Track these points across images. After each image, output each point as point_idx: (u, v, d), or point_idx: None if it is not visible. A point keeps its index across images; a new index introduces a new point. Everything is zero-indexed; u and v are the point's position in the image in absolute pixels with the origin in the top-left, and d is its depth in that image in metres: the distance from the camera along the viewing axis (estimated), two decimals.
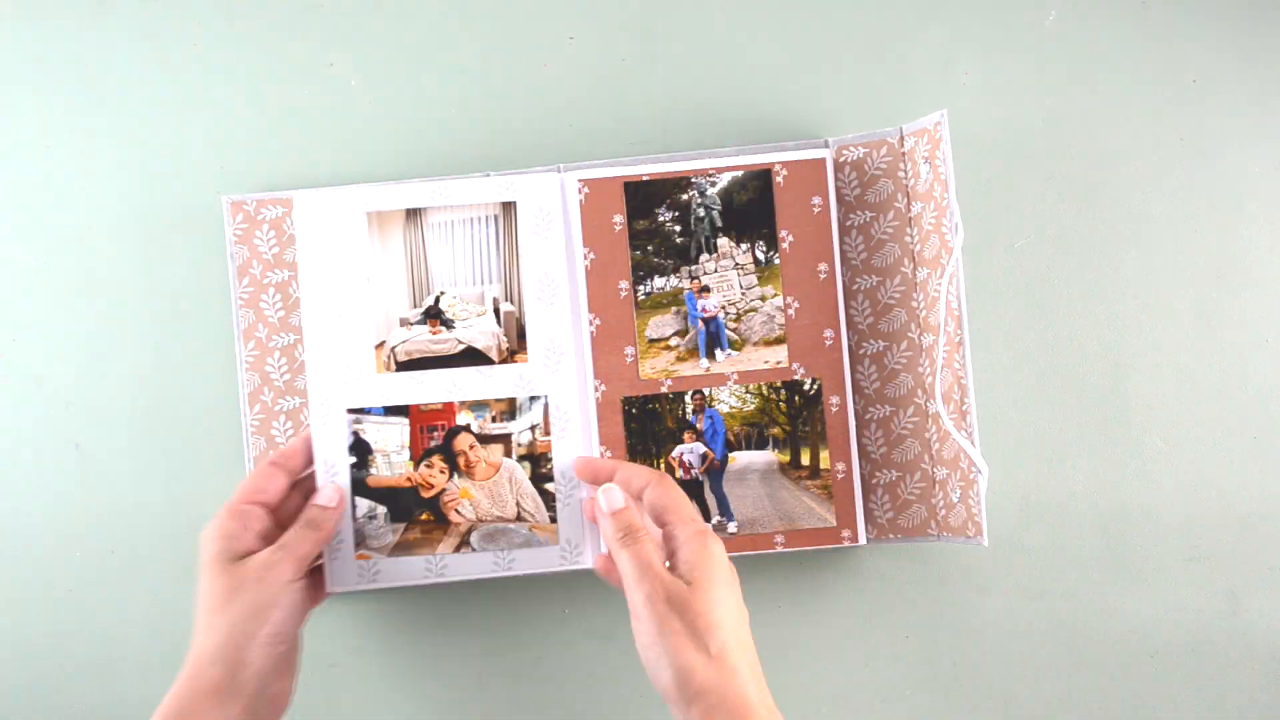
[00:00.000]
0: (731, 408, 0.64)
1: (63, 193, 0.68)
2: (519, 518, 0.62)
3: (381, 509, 0.62)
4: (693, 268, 0.64)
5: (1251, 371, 0.66)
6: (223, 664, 0.52)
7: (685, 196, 0.63)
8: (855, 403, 0.64)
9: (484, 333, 0.63)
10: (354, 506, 0.62)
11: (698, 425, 0.64)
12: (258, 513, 0.57)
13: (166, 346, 0.67)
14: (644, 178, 0.63)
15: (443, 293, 0.63)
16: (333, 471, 0.62)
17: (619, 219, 0.64)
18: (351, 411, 0.62)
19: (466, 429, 0.63)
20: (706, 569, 0.52)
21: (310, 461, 0.62)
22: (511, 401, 0.63)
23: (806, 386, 0.63)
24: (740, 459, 0.64)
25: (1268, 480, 0.66)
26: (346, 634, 0.67)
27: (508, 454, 0.63)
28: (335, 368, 0.62)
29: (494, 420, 0.63)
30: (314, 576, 0.60)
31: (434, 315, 0.63)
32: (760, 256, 0.64)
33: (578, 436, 0.63)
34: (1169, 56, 0.67)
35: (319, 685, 0.67)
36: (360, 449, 0.62)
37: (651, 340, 0.64)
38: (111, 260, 0.68)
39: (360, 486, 0.62)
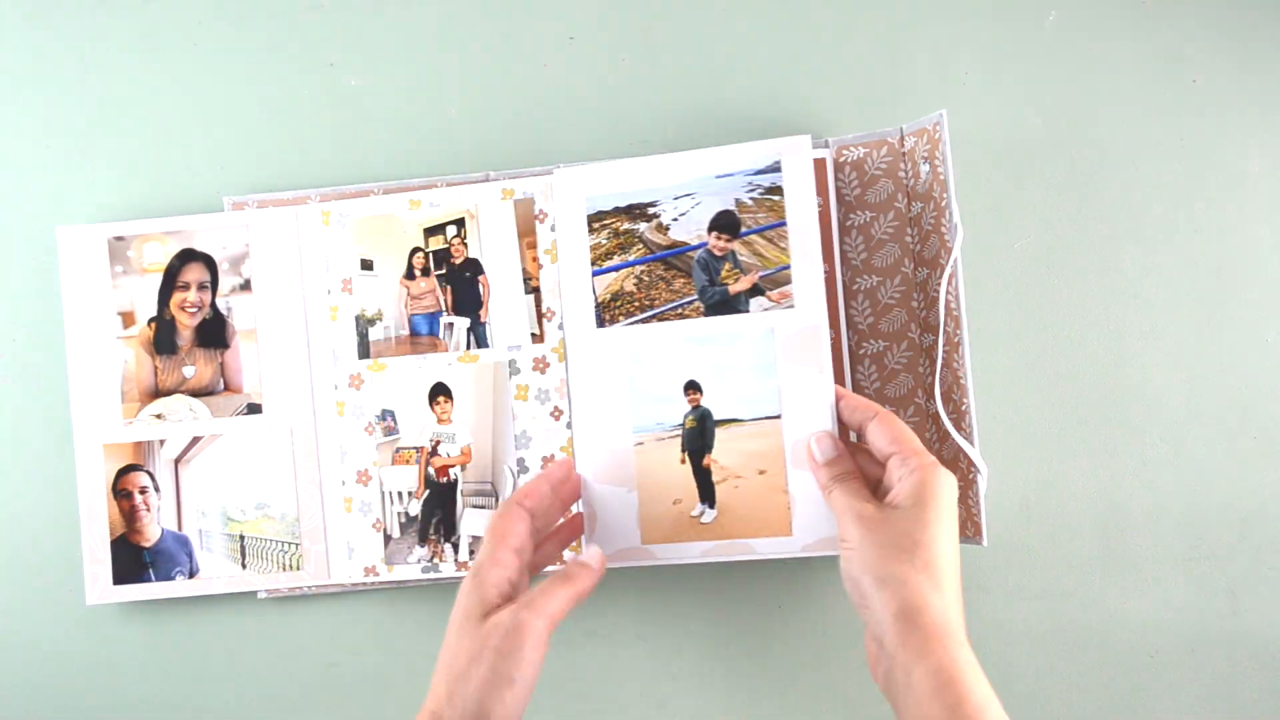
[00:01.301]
0: None
1: (63, 193, 0.68)
2: None
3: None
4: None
5: (1251, 371, 0.66)
6: None
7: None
8: None
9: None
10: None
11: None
12: (510, 559, 0.53)
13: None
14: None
15: None
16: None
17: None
18: None
19: None
20: (922, 497, 0.52)
21: (560, 505, 0.58)
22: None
23: None
24: None
25: (1268, 480, 0.66)
26: (346, 634, 0.67)
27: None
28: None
29: None
30: None
31: None
32: None
33: None
34: (1169, 56, 0.67)
35: (319, 685, 0.67)
36: None
37: None
38: None
39: None
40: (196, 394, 0.65)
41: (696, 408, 0.60)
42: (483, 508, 0.64)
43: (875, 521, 0.52)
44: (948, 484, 0.53)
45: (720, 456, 0.59)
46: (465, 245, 0.64)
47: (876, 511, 0.53)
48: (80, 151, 0.68)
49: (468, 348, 0.64)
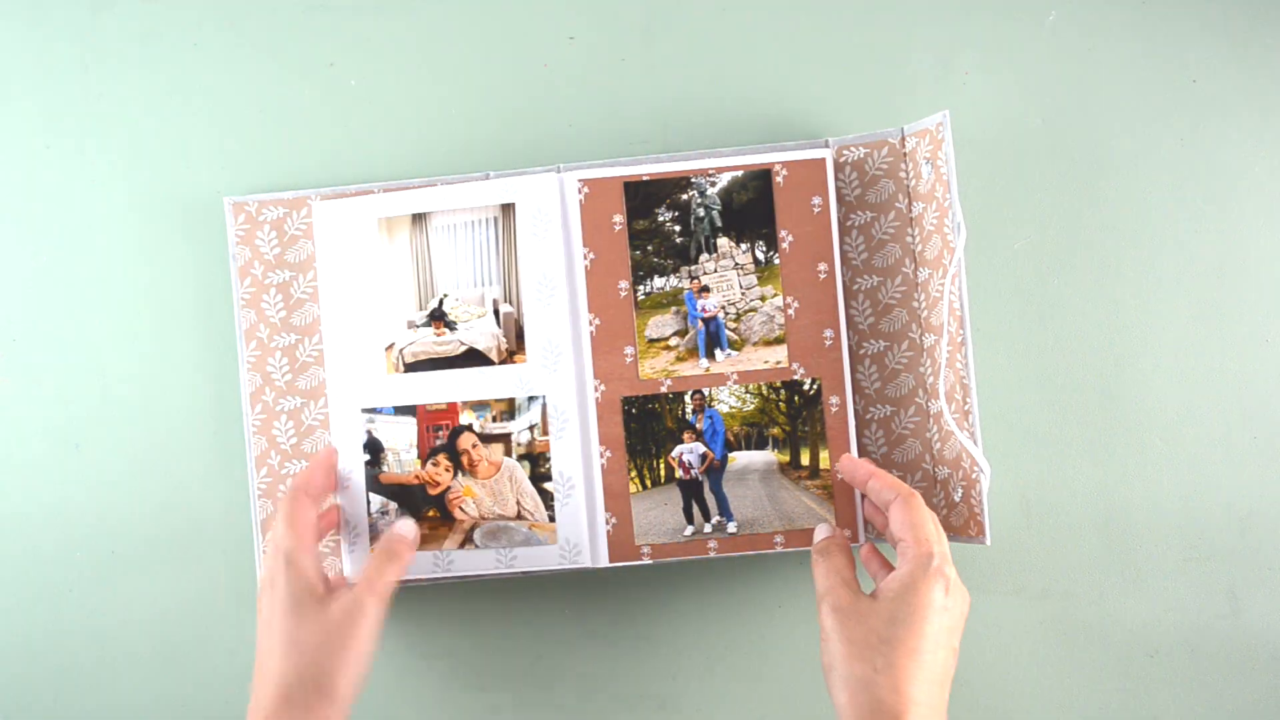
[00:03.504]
0: (731, 408, 0.64)
1: (63, 193, 0.68)
2: (519, 516, 0.63)
3: (393, 505, 0.63)
4: (692, 268, 0.64)
5: (1251, 371, 0.66)
6: (315, 702, 0.51)
7: (685, 196, 0.63)
8: (856, 403, 0.64)
9: (484, 334, 0.63)
10: (368, 502, 0.63)
11: (697, 425, 0.64)
12: (313, 544, 0.56)
13: (168, 347, 0.67)
14: (644, 177, 0.63)
15: (446, 295, 0.64)
16: (348, 471, 0.63)
17: (619, 219, 0.64)
18: (365, 411, 0.63)
19: (469, 428, 0.63)
20: (906, 594, 0.50)
21: (330, 482, 0.62)
22: (511, 401, 0.63)
23: (806, 386, 0.63)
24: (740, 459, 0.64)
25: (1268, 480, 0.66)
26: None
27: (508, 453, 0.63)
28: (350, 368, 0.63)
29: (494, 420, 0.63)
30: None
31: (438, 317, 0.63)
32: (760, 256, 0.64)
33: (575, 436, 0.63)
34: (1169, 56, 0.67)
35: None
36: (373, 447, 0.63)
37: (651, 340, 0.64)
38: (112, 261, 0.68)
39: (373, 483, 0.63)
40: None
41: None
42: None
43: (850, 614, 0.51)
44: (938, 576, 0.51)
45: None
46: None
47: (854, 602, 0.52)
48: (80, 152, 0.68)
49: None
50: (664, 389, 0.63)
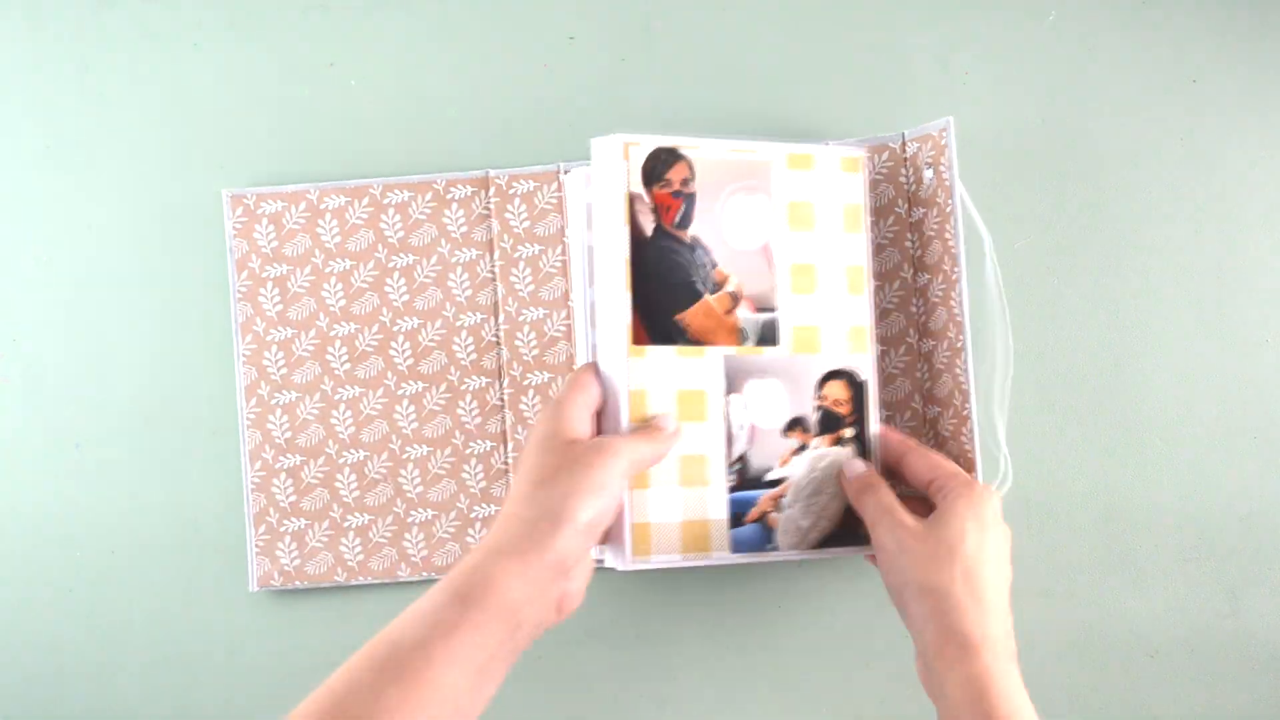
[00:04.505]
0: None
1: (63, 192, 0.68)
2: None
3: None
4: None
5: (1251, 371, 0.66)
6: (534, 538, 0.48)
7: None
8: None
9: None
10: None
11: None
12: (590, 408, 0.54)
13: (167, 346, 0.68)
14: None
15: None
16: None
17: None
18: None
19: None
20: (961, 509, 0.53)
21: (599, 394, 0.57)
22: None
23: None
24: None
25: (1268, 480, 0.66)
26: (346, 634, 0.67)
27: None
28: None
29: None
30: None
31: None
32: None
33: None
34: (1169, 56, 0.67)
35: (319, 685, 0.67)
36: None
37: None
38: (111, 260, 0.68)
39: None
40: None
41: None
42: None
43: (913, 531, 0.53)
44: (989, 498, 0.54)
45: None
46: None
47: (915, 521, 0.54)
48: (80, 152, 0.68)
49: None
50: None
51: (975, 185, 0.66)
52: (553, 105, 0.67)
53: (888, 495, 0.56)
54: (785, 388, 0.59)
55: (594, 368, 0.57)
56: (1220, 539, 0.66)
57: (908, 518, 0.54)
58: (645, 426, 0.55)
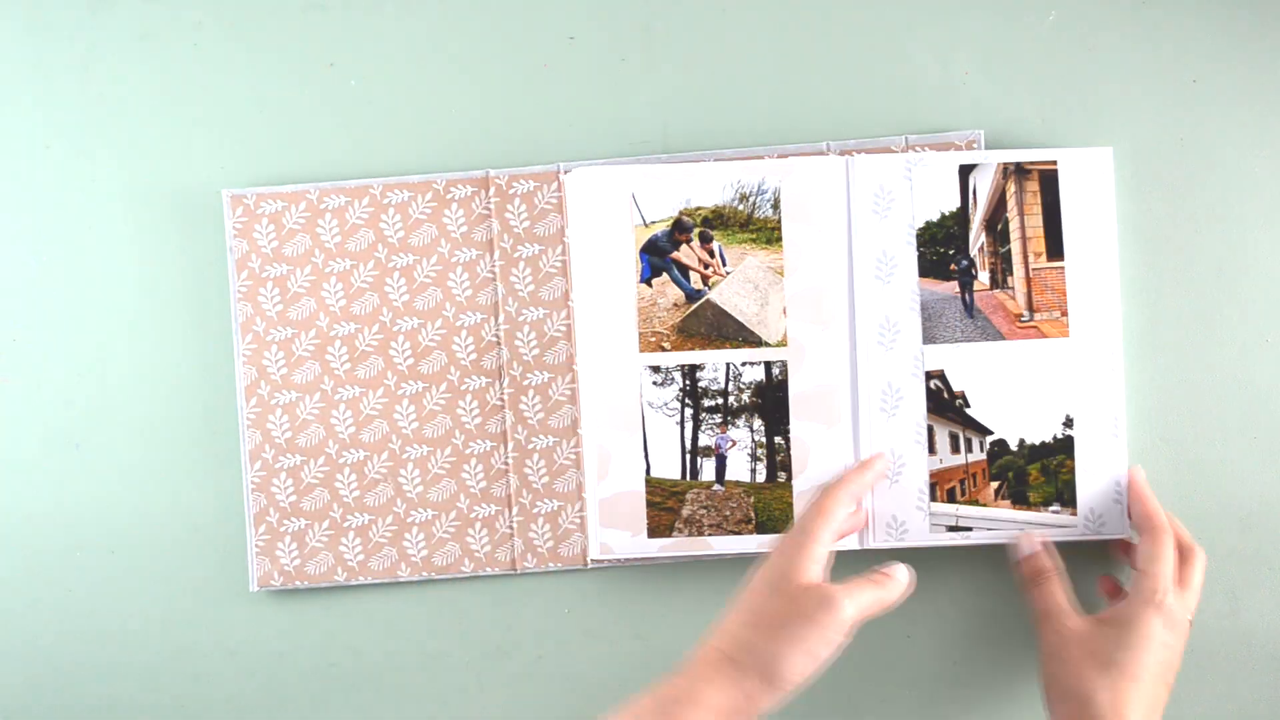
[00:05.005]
0: None
1: (63, 192, 0.68)
2: None
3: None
4: None
5: (1251, 371, 0.66)
6: (742, 692, 0.50)
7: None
8: None
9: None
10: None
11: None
12: (830, 542, 0.55)
13: (167, 345, 0.68)
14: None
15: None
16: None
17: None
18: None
19: None
20: (1130, 621, 0.54)
21: (870, 487, 0.61)
22: None
23: None
24: None
25: (1268, 480, 0.66)
26: (347, 634, 0.67)
27: None
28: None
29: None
30: None
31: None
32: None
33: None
34: (1169, 56, 0.67)
35: (319, 685, 0.67)
36: None
37: None
38: (112, 261, 0.68)
39: None
40: None
41: None
42: None
43: (1074, 638, 0.55)
44: (1158, 621, 0.55)
45: None
46: None
47: (1078, 626, 0.56)
48: (80, 151, 0.68)
49: None
50: None
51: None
52: (553, 105, 0.67)
53: (1058, 592, 0.58)
54: None
55: (843, 491, 0.57)
56: (1220, 539, 0.66)
57: (1074, 619, 0.56)
58: (878, 577, 0.56)
